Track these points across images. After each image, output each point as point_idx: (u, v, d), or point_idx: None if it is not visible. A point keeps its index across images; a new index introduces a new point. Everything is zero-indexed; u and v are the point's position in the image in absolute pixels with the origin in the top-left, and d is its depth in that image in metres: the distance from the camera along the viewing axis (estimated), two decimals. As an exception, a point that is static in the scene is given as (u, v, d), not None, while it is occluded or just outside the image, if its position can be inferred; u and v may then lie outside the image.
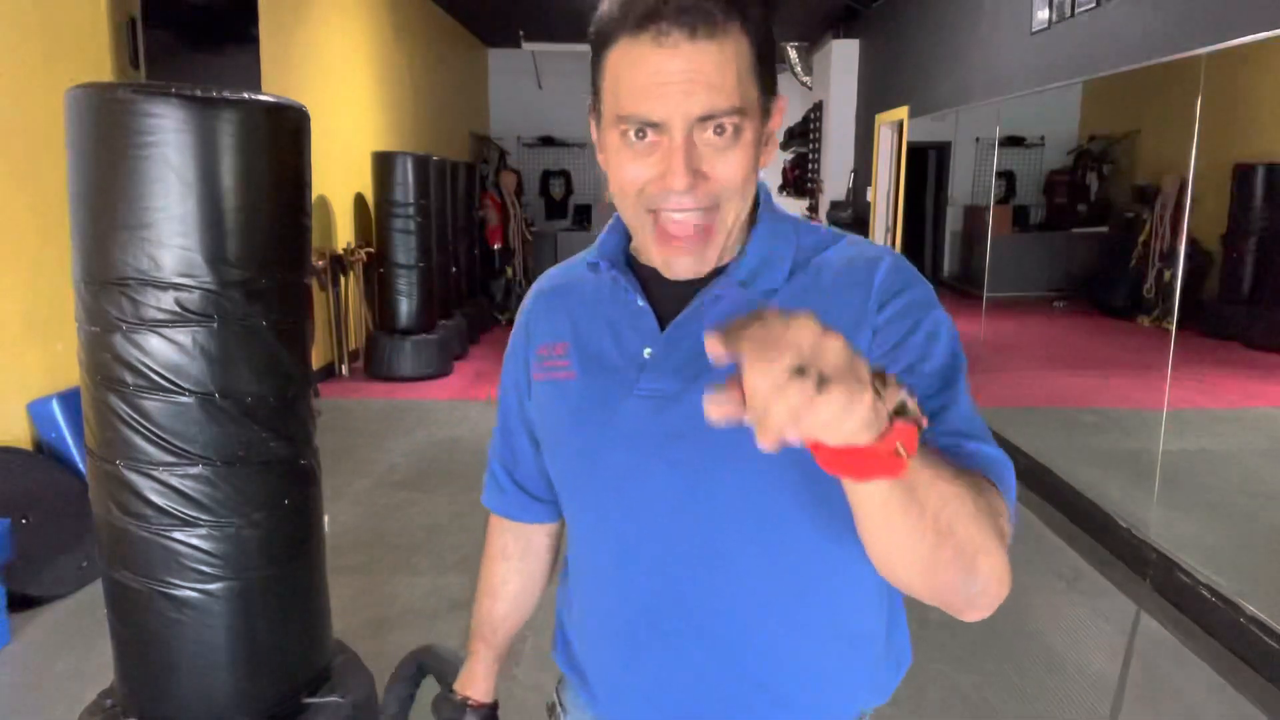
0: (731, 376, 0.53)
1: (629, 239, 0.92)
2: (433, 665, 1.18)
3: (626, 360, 0.87)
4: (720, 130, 0.76)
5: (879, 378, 0.56)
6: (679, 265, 0.82)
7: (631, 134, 0.78)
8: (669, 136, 0.76)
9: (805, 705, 0.88)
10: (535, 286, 1.03)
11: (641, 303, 0.88)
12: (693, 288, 0.85)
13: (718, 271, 0.85)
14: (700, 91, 0.75)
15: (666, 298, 0.87)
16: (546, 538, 1.10)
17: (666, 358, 0.85)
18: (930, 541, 0.65)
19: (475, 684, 1.10)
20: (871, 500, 0.62)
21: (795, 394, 0.49)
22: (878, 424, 0.54)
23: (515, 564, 1.10)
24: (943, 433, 0.78)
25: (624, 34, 0.76)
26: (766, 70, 0.80)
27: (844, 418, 0.51)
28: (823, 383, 0.50)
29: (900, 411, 0.57)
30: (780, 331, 0.51)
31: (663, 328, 0.86)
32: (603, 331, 0.90)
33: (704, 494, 0.84)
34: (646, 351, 0.87)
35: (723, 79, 0.75)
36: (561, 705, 1.06)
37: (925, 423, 0.60)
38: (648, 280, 0.89)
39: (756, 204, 0.88)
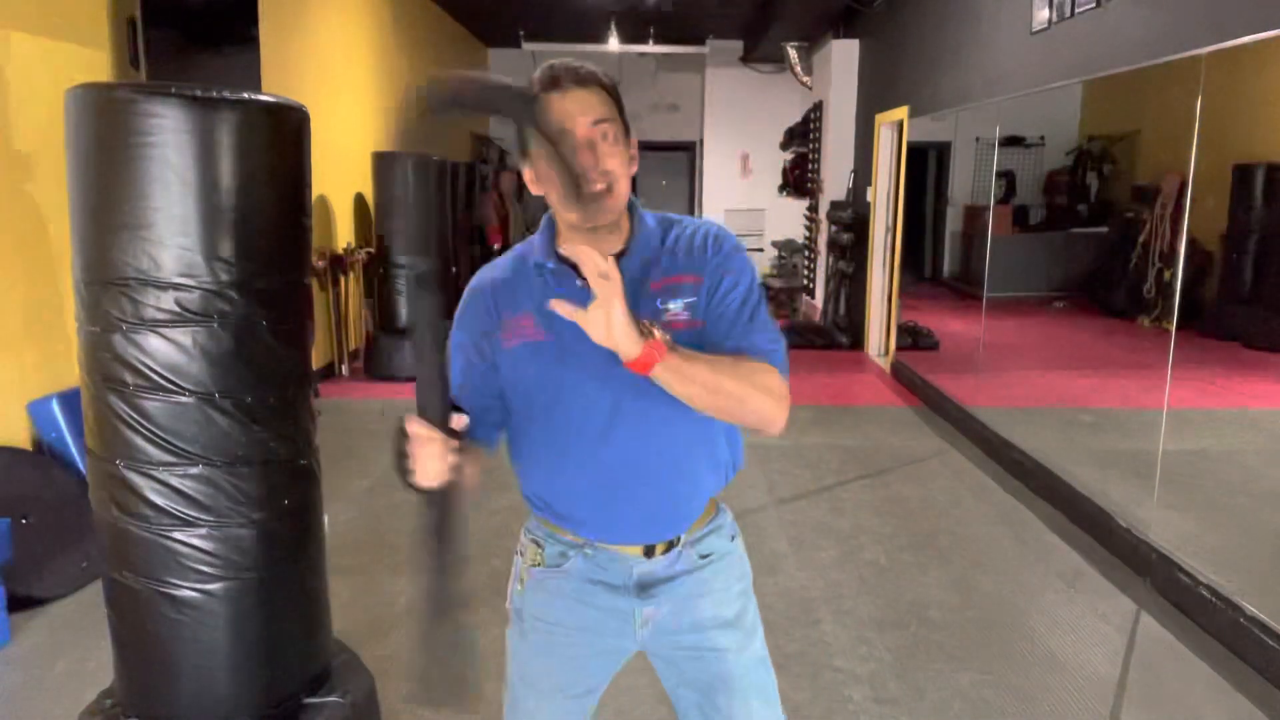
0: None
1: (554, 243, 1.36)
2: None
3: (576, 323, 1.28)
4: (605, 135, 1.28)
5: (648, 326, 1.18)
6: (600, 216, 1.29)
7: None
8: (576, 138, 1.26)
9: (693, 502, 1.44)
10: (480, 282, 1.41)
11: (579, 283, 1.30)
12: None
13: (619, 256, 1.32)
14: (590, 110, 1.28)
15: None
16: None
17: None
18: (708, 396, 1.24)
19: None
20: (661, 380, 1.19)
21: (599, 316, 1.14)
22: (638, 341, 1.15)
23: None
24: (749, 346, 1.33)
25: (540, 96, 1.27)
26: (623, 115, 1.33)
27: (613, 327, 1.14)
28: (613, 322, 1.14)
29: (650, 334, 1.16)
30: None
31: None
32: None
33: (640, 390, 1.26)
34: None
35: (598, 105, 1.28)
36: (537, 543, 1.47)
37: (668, 341, 1.18)
38: (579, 269, 1.30)
39: (633, 208, 1.38)
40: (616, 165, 1.29)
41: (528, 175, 1.35)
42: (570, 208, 1.29)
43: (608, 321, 1.13)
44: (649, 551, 1.41)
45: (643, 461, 1.37)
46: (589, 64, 1.32)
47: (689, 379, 1.21)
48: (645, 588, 1.42)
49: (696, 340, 1.30)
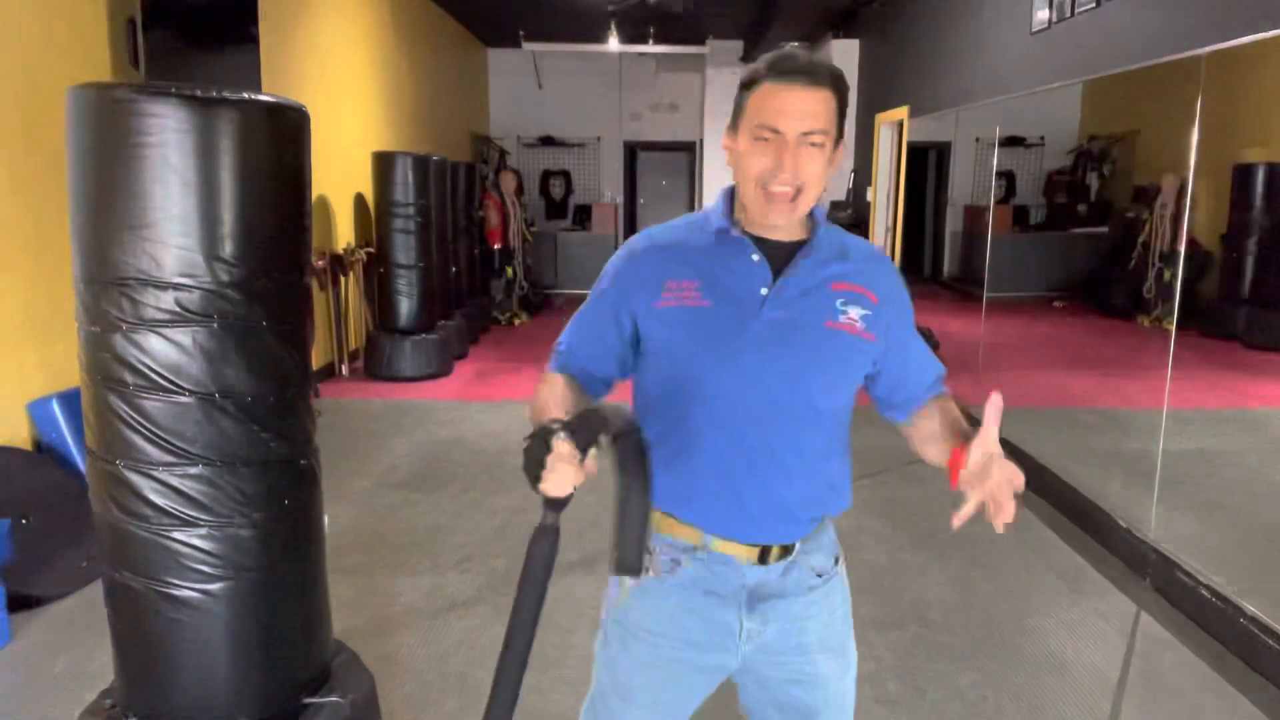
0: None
1: (733, 213, 1.37)
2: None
3: (748, 296, 1.33)
4: (814, 144, 1.27)
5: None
6: (775, 218, 1.32)
7: (762, 138, 1.27)
8: (784, 140, 1.26)
9: (816, 509, 1.42)
10: (646, 239, 1.41)
11: (757, 258, 1.34)
12: (782, 251, 1.35)
13: (799, 243, 1.36)
14: (807, 117, 1.25)
15: (768, 256, 1.35)
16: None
17: (778, 295, 1.33)
18: None
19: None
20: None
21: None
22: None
23: (576, 385, 1.40)
24: (938, 384, 1.46)
25: (767, 79, 1.27)
26: (841, 122, 1.30)
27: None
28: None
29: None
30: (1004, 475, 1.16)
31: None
32: (726, 276, 1.34)
33: (800, 380, 1.33)
34: (763, 290, 1.33)
35: (820, 113, 1.26)
36: (647, 550, 1.38)
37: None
38: (755, 244, 1.36)
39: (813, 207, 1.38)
40: (812, 175, 1.28)
41: (725, 142, 1.34)
42: (752, 200, 1.31)
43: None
44: (763, 556, 1.37)
45: (781, 454, 1.35)
46: (826, 62, 1.28)
47: None
48: (755, 601, 1.39)
49: (864, 350, 1.37)
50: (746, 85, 1.30)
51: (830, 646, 1.44)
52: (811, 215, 1.38)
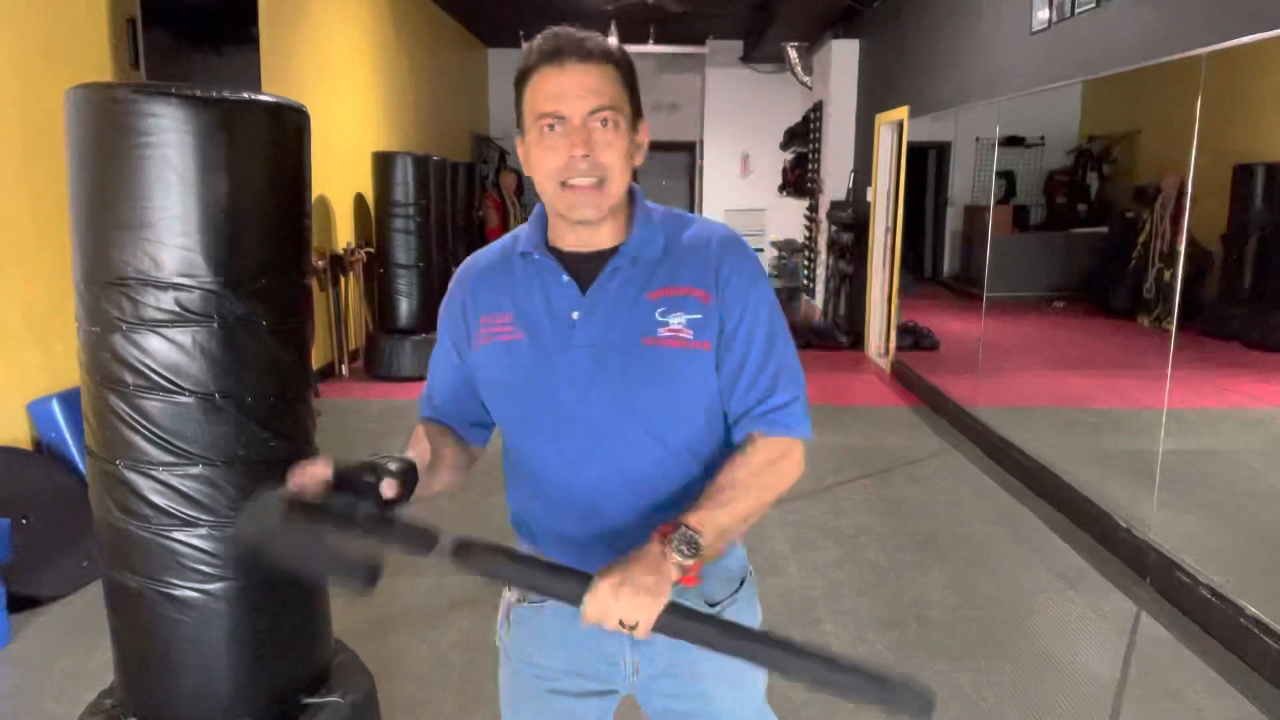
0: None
1: (545, 232, 1.24)
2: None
3: (559, 322, 1.19)
4: (604, 122, 1.14)
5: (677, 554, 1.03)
6: (583, 210, 1.16)
7: (546, 127, 1.14)
8: (570, 125, 1.13)
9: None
10: (464, 270, 1.31)
11: (566, 279, 1.20)
12: (596, 265, 1.20)
13: (612, 252, 1.21)
14: (589, 95, 1.13)
15: (580, 274, 1.21)
16: (467, 448, 1.35)
17: (589, 316, 1.19)
18: (752, 519, 1.16)
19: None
20: (711, 557, 1.09)
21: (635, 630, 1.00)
22: (668, 579, 1.02)
23: (449, 440, 1.31)
24: (763, 413, 1.20)
25: (538, 67, 1.14)
26: (633, 98, 1.19)
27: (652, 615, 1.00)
28: (632, 629, 1.00)
29: (684, 566, 1.03)
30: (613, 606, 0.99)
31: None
32: (538, 303, 1.21)
33: (628, 410, 1.18)
34: (575, 314, 1.19)
35: (602, 88, 1.14)
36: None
37: (683, 534, 1.05)
38: (566, 262, 1.22)
39: (635, 202, 1.24)
40: (613, 158, 1.15)
41: (520, 153, 1.21)
42: (554, 200, 1.18)
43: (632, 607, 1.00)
44: None
45: (632, 492, 1.21)
46: (599, 36, 1.16)
47: (726, 536, 1.12)
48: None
49: (696, 363, 1.18)
50: (520, 81, 1.18)
51: (727, 677, 1.30)
52: (632, 212, 1.23)
